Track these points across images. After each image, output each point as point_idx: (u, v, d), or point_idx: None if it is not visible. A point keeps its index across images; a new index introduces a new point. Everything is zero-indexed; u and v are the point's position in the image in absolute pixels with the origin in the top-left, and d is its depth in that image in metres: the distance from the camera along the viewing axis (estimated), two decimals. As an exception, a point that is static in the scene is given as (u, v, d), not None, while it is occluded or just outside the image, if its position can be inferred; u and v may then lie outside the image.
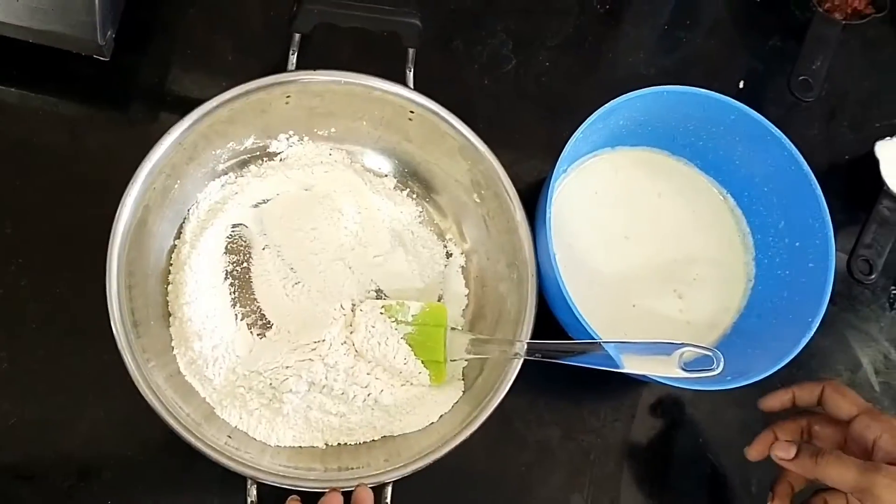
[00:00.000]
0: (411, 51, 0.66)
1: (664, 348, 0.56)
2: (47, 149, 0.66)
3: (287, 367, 0.61)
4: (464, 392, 0.63)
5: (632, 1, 0.81)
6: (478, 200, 0.67)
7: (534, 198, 0.66)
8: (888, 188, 0.72)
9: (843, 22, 0.77)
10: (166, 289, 0.63)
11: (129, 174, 0.58)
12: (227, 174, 0.66)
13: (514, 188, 0.64)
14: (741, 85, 0.80)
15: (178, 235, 0.64)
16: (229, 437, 0.58)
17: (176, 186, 0.63)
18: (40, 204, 0.65)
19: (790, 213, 0.67)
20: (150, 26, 0.70)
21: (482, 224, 0.68)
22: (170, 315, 0.62)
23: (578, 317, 0.58)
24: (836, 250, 0.64)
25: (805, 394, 0.60)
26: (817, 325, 0.62)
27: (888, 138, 0.75)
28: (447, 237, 0.70)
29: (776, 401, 0.61)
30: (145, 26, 0.70)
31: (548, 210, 0.60)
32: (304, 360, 0.61)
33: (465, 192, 0.68)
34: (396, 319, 0.62)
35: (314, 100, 0.65)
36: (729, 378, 0.60)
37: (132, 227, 0.58)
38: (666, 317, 0.68)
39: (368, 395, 0.61)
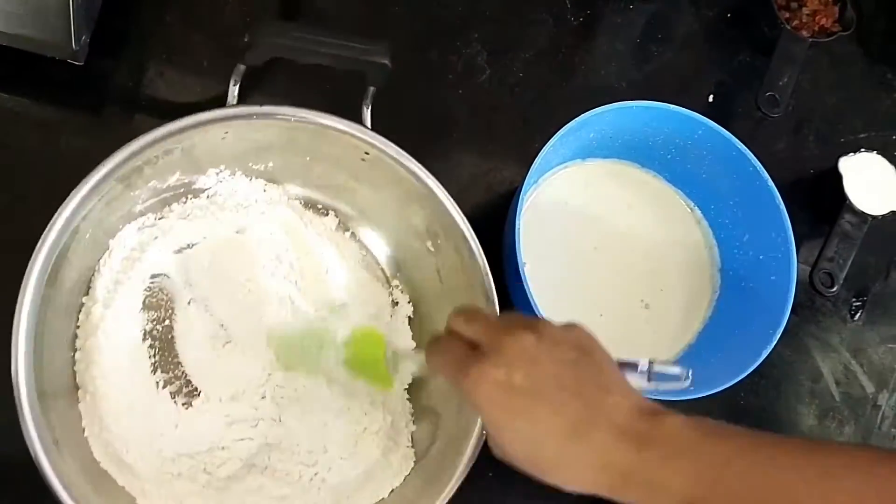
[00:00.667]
0: (371, 88, 0.60)
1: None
2: (20, 151, 0.66)
3: (222, 447, 0.55)
4: (415, 462, 0.59)
5: (605, 14, 0.82)
6: (432, 249, 0.63)
7: (505, 208, 0.67)
8: (850, 203, 0.74)
9: (811, 39, 0.78)
10: (73, 357, 0.55)
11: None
12: (144, 215, 0.59)
13: (479, 247, 0.58)
14: (710, 99, 0.81)
15: (87, 291, 0.56)
16: None
17: (88, 233, 0.54)
18: (11, 206, 0.65)
19: (754, 227, 0.68)
20: (124, 31, 0.70)
21: (434, 274, 0.63)
22: (78, 389, 0.54)
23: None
24: (799, 262, 0.66)
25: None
26: (778, 336, 0.63)
27: (852, 154, 0.76)
28: (393, 283, 0.65)
29: None
30: (120, 31, 0.70)
31: (517, 221, 0.61)
32: (241, 440, 0.55)
33: (417, 238, 0.63)
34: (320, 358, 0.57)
35: (255, 134, 0.59)
36: (692, 388, 0.61)
37: (44, 283, 0.50)
38: (633, 327, 0.70)
39: (315, 474, 0.57)
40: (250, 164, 0.62)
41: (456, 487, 0.54)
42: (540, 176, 0.70)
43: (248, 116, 0.57)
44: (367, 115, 0.59)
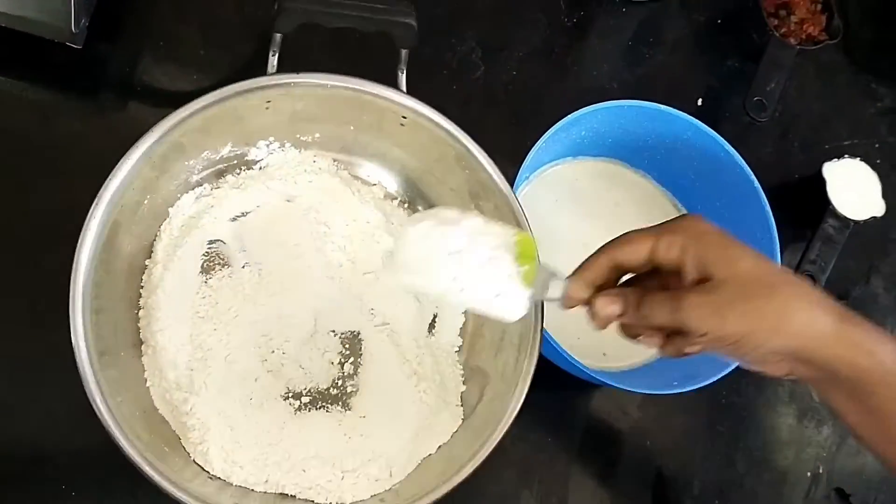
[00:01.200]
0: (404, 52, 0.60)
1: None
2: (16, 133, 0.66)
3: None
4: (463, 420, 0.61)
5: (598, 15, 0.83)
6: (476, 211, 0.62)
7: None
8: (833, 208, 0.75)
9: (798, 47, 0.80)
10: (137, 314, 0.59)
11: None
12: (201, 185, 0.62)
13: (519, 205, 0.60)
14: (699, 102, 0.82)
15: (150, 255, 0.60)
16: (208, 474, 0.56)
17: (146, 202, 0.59)
18: (6, 188, 0.65)
19: (740, 228, 0.68)
20: (123, 17, 0.71)
21: None
22: (142, 343, 0.58)
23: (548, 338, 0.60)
24: (783, 265, 0.67)
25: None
26: None
27: (835, 160, 0.78)
28: None
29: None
30: (118, 17, 0.70)
31: None
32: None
33: (461, 201, 0.64)
34: None
35: (297, 104, 0.61)
36: (676, 383, 0.63)
37: (99, 249, 0.53)
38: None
39: (365, 428, 0.60)
40: (298, 136, 0.64)
41: (499, 439, 0.55)
42: (531, 172, 0.71)
43: (287, 84, 0.58)
44: (402, 79, 0.61)
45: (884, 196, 0.76)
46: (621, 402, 0.72)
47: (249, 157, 0.64)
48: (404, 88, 0.60)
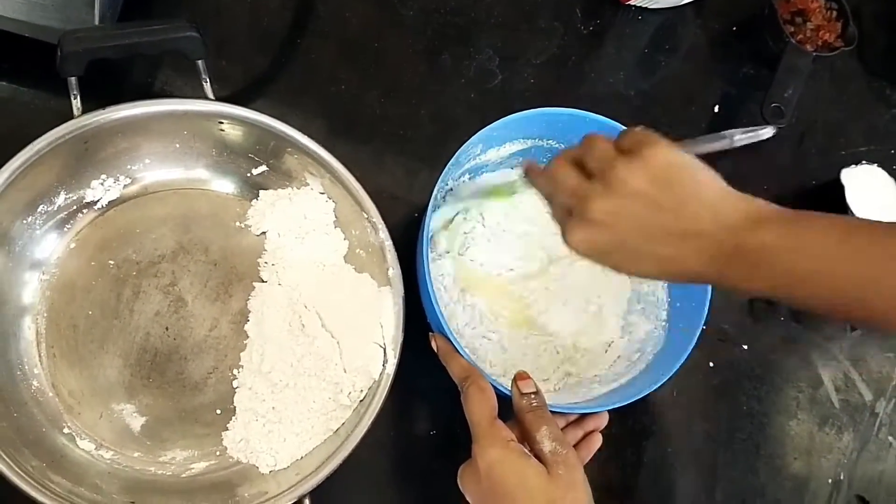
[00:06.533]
0: (200, 62, 0.63)
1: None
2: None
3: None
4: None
5: (614, 24, 0.84)
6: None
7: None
8: (853, 214, 0.75)
9: (814, 53, 0.80)
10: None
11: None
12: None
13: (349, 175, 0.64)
14: (716, 109, 0.83)
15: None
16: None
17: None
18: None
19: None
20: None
21: None
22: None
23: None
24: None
25: None
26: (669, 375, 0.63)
27: (853, 166, 0.78)
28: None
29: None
30: (140, 26, 0.71)
31: (425, 235, 0.61)
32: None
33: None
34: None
35: (115, 138, 0.62)
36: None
37: None
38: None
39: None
40: (129, 167, 0.65)
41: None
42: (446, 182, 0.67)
43: (98, 122, 0.60)
44: (207, 88, 0.63)
45: (902, 201, 0.77)
46: (641, 410, 0.72)
47: (87, 199, 0.64)
48: (212, 96, 0.63)
